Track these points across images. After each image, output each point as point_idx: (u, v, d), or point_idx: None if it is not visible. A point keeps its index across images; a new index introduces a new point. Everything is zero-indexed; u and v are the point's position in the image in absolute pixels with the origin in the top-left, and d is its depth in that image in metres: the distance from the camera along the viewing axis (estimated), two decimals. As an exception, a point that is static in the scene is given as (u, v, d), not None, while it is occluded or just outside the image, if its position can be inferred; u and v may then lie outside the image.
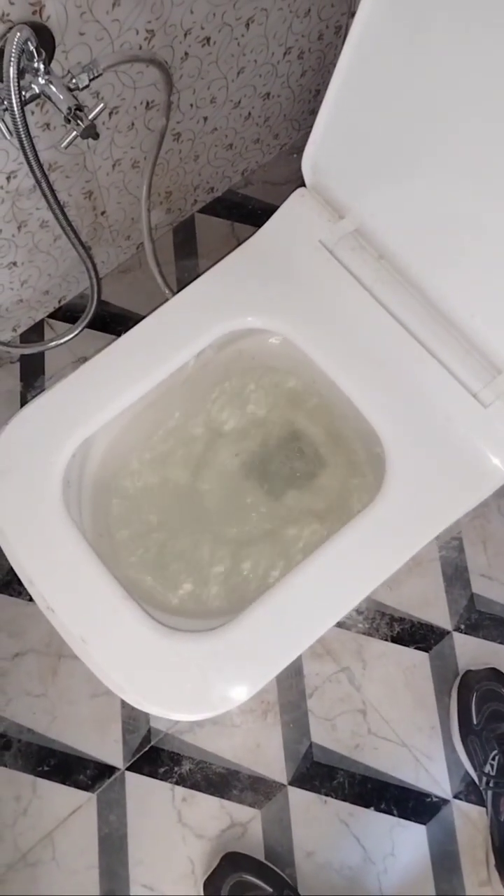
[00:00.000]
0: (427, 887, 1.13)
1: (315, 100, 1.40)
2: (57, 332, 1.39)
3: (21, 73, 0.73)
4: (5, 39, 0.74)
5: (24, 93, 0.76)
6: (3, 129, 0.80)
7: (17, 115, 0.74)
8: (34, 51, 0.74)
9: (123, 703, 1.20)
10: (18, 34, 0.71)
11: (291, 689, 1.21)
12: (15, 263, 1.17)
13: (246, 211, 1.49)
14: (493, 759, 1.11)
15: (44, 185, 0.85)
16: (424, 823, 1.15)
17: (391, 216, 0.86)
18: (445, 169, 0.75)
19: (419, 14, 0.68)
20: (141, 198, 1.11)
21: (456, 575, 1.27)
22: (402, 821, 1.16)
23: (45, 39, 0.81)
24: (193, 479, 1.04)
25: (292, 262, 0.92)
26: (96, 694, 1.21)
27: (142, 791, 1.17)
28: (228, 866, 1.09)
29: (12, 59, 0.71)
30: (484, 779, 1.12)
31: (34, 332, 1.40)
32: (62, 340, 1.19)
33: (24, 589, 1.23)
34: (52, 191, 0.87)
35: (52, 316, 1.40)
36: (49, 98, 0.78)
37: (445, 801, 1.16)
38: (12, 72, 0.71)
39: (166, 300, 0.91)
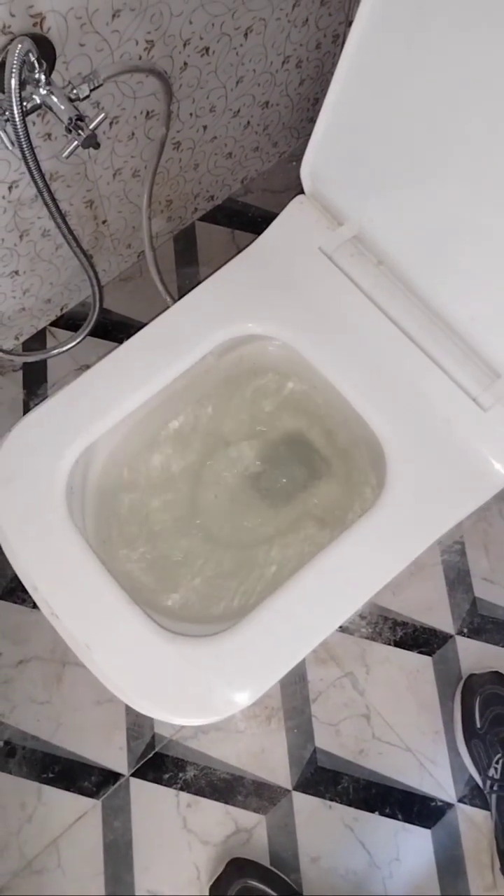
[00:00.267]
0: (432, 892, 1.13)
1: (314, 108, 1.41)
2: (59, 340, 1.40)
3: (22, 85, 0.74)
4: (6, 51, 0.75)
5: (25, 103, 0.76)
6: (5, 139, 0.80)
7: (19, 126, 0.75)
8: (35, 62, 0.75)
9: (128, 710, 1.20)
10: (19, 46, 0.72)
11: (295, 695, 1.21)
12: (17, 272, 1.17)
13: (246, 219, 1.49)
14: (497, 762, 1.11)
15: (45, 194, 0.86)
16: (429, 828, 1.15)
17: (390, 222, 0.87)
18: (443, 175, 0.76)
19: (415, 22, 0.69)
20: (142, 206, 1.12)
21: (458, 579, 1.27)
22: (406, 825, 1.15)
23: (45, 51, 0.82)
24: (195, 485, 1.05)
25: (292, 268, 0.93)
26: (101, 701, 1.21)
27: (147, 797, 1.17)
28: (234, 872, 1.09)
29: (13, 70, 0.72)
30: (488, 782, 1.12)
31: (36, 341, 1.40)
32: (64, 348, 1.19)
33: (29, 596, 1.23)
34: (54, 200, 0.88)
35: (54, 324, 1.41)
36: (50, 108, 0.78)
37: (450, 806, 1.16)
38: (14, 83, 0.72)
39: (167, 308, 0.92)
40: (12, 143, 0.79)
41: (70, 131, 0.79)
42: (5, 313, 1.26)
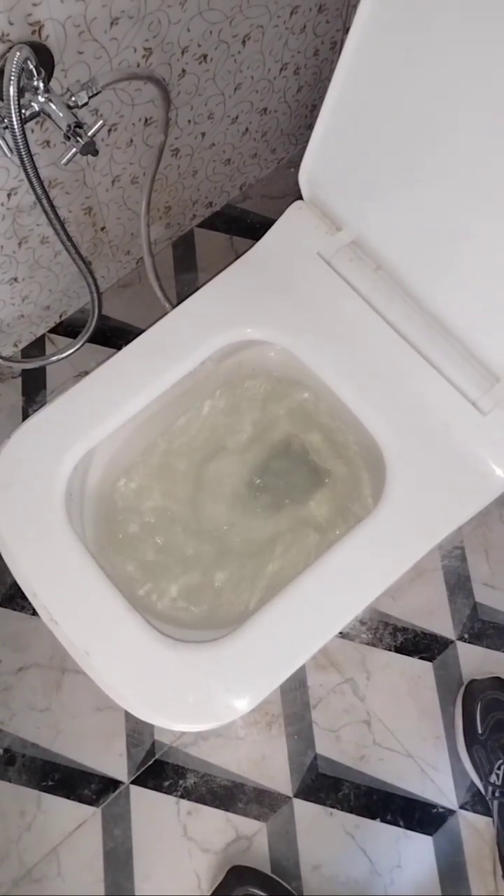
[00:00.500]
0: (434, 899, 1.13)
1: (311, 114, 1.42)
2: (58, 347, 1.40)
3: (21, 92, 0.75)
4: (5, 59, 0.76)
5: (24, 111, 0.77)
6: (3, 146, 0.81)
7: (18, 133, 0.75)
8: (34, 69, 0.75)
9: (127, 717, 1.20)
10: (18, 54, 0.72)
11: (296, 701, 1.21)
12: (16, 279, 1.18)
13: (244, 225, 1.50)
14: (499, 768, 1.11)
15: (44, 201, 0.86)
16: (431, 835, 1.15)
17: (387, 227, 0.87)
18: (440, 180, 0.76)
19: (412, 30, 0.69)
20: (140, 213, 1.12)
21: (459, 584, 1.27)
22: (408, 832, 1.15)
23: (44, 58, 0.82)
24: (194, 491, 1.05)
25: (291, 273, 0.93)
26: (100, 708, 1.20)
27: (147, 805, 1.16)
28: (234, 880, 1.08)
29: (12, 77, 0.72)
30: (490, 788, 1.11)
31: (35, 347, 1.41)
32: (63, 355, 1.19)
33: (28, 603, 1.23)
34: (53, 207, 0.88)
35: (53, 331, 1.41)
36: (49, 116, 0.79)
37: (452, 812, 1.16)
38: (12, 90, 0.72)
39: (166, 314, 0.92)
40: (11, 151, 0.80)
41: (68, 138, 0.79)
42: (4, 320, 1.26)
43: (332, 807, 1.16)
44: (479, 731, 1.14)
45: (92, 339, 1.18)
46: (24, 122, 0.76)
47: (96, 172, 1.10)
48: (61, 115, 0.78)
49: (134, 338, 0.90)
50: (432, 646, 1.24)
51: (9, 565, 0.82)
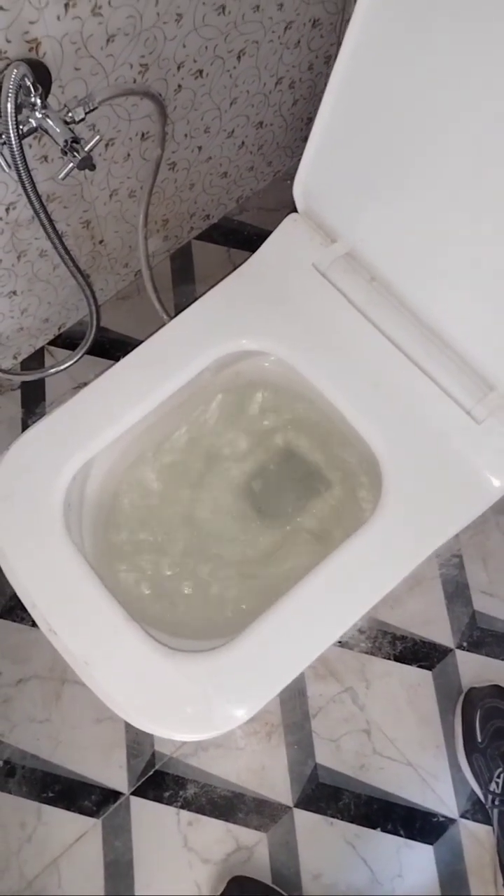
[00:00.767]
0: (435, 909, 1.12)
1: (307, 127, 1.43)
2: (57, 359, 1.41)
3: (19, 108, 0.75)
4: (3, 76, 0.76)
5: (21, 127, 0.78)
6: (1, 162, 0.81)
7: (16, 149, 0.76)
8: (31, 86, 0.76)
9: (127, 728, 1.20)
10: (15, 71, 0.73)
11: (295, 711, 1.21)
12: (15, 292, 1.19)
13: (241, 237, 1.51)
14: (499, 776, 1.11)
15: (42, 215, 0.87)
16: (431, 844, 1.15)
17: (382, 239, 0.88)
18: (434, 191, 0.77)
19: (404, 44, 0.70)
20: (138, 226, 1.13)
21: (457, 592, 1.27)
22: (409, 841, 1.15)
23: (41, 75, 0.83)
24: (192, 501, 1.05)
25: (286, 285, 0.94)
26: (100, 719, 1.21)
27: (147, 816, 1.16)
28: (235, 890, 1.08)
29: (10, 94, 0.73)
30: (490, 797, 1.11)
31: (34, 360, 1.41)
32: (62, 367, 1.20)
33: (28, 614, 1.23)
34: (51, 221, 0.89)
35: (52, 343, 1.42)
36: (46, 131, 0.80)
37: (452, 821, 1.16)
38: (10, 107, 0.73)
39: (164, 325, 0.93)
40: (9, 166, 0.80)
41: (66, 153, 0.80)
42: (3, 333, 1.27)
43: (333, 816, 1.16)
44: (479, 740, 1.14)
45: (91, 351, 1.18)
46: (21, 137, 0.77)
47: (94, 186, 1.11)
48: (59, 130, 0.79)
49: (132, 349, 0.91)
50: (431, 654, 1.24)
51: (8, 576, 0.82)
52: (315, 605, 0.79)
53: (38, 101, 0.78)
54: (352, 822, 1.16)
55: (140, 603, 0.97)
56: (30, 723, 1.21)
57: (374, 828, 1.16)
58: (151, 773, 1.18)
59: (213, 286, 0.94)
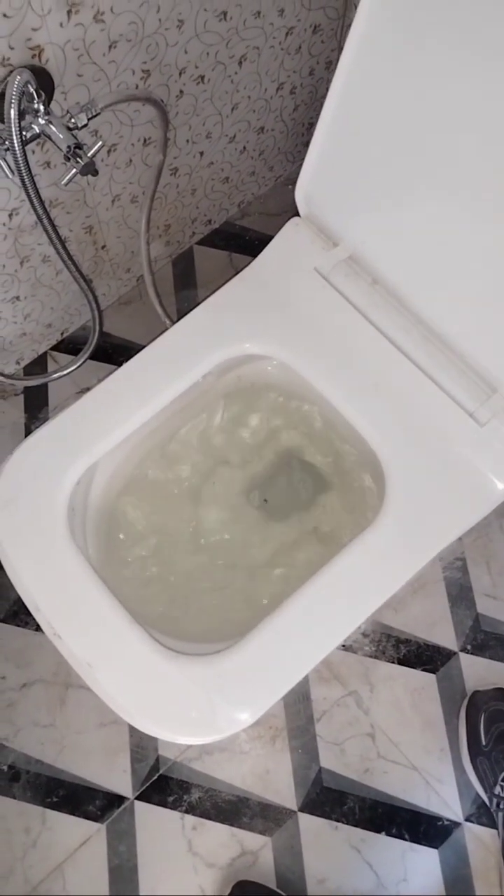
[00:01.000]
0: (441, 913, 1.12)
1: (308, 132, 1.43)
2: (60, 364, 1.41)
3: (22, 115, 0.76)
4: (6, 82, 0.77)
5: (24, 133, 0.78)
6: (5, 168, 0.82)
7: (19, 155, 0.76)
8: (34, 92, 0.77)
9: (131, 732, 1.20)
10: (19, 77, 0.73)
11: (299, 715, 1.21)
12: (18, 298, 1.19)
13: (243, 242, 1.51)
14: (503, 780, 1.10)
15: (45, 221, 0.88)
16: (437, 847, 1.14)
17: (383, 242, 0.88)
18: (435, 194, 0.77)
19: (405, 48, 0.70)
20: (140, 231, 1.13)
21: (461, 595, 1.27)
22: (414, 845, 1.15)
23: (44, 81, 0.84)
24: (196, 504, 1.05)
25: (288, 289, 0.94)
26: (104, 723, 1.20)
27: (151, 820, 1.16)
28: (240, 895, 1.08)
29: (13, 101, 0.74)
30: (494, 800, 1.11)
31: (37, 365, 1.42)
32: (65, 372, 1.21)
33: (32, 619, 1.24)
34: (54, 226, 0.89)
35: (54, 348, 1.43)
36: (49, 137, 0.80)
37: (457, 825, 1.15)
38: (13, 113, 0.74)
39: (166, 330, 0.93)
40: (12, 172, 0.81)
41: (69, 159, 0.81)
42: (7, 338, 1.28)
43: (338, 820, 1.16)
44: (483, 743, 1.14)
45: (93, 356, 1.19)
46: (24, 143, 0.77)
47: (96, 192, 1.11)
48: (61, 136, 0.79)
49: (134, 354, 0.91)
50: (435, 657, 1.24)
51: (12, 580, 0.82)
52: (319, 609, 0.79)
53: (41, 108, 0.78)
54: (356, 826, 1.16)
55: (144, 606, 0.97)
56: (34, 727, 1.21)
57: (378, 832, 1.15)
58: (156, 777, 1.18)
59: (215, 291, 0.94)
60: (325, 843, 1.15)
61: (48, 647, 1.12)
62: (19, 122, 0.75)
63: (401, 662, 1.23)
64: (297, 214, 0.97)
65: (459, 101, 0.68)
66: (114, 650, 0.78)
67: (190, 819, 1.16)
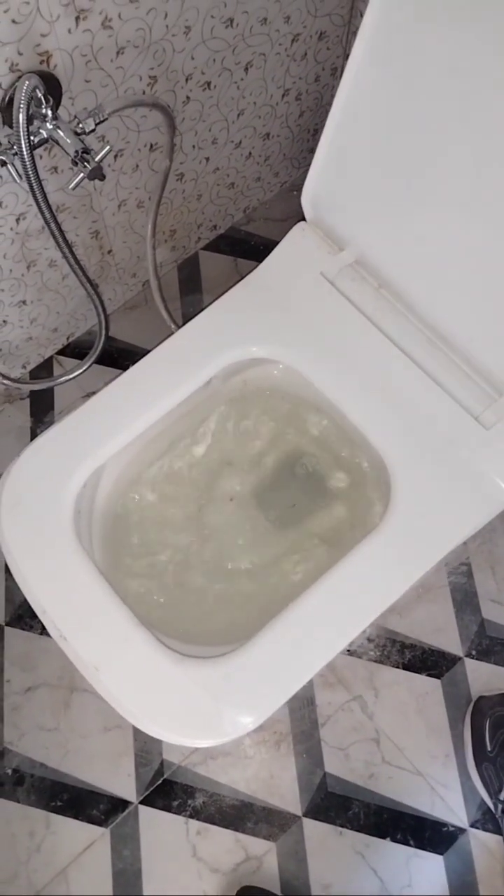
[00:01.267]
0: (446, 919, 1.12)
1: (313, 138, 1.44)
2: (66, 369, 1.41)
3: (30, 120, 0.76)
4: (14, 88, 0.78)
5: (32, 138, 0.79)
6: (13, 172, 0.83)
7: (27, 160, 0.77)
8: (42, 98, 0.77)
9: (136, 736, 1.20)
10: (27, 83, 0.74)
11: (304, 719, 1.21)
12: (24, 302, 1.20)
13: (248, 247, 1.52)
14: (509, 785, 1.10)
15: (52, 225, 0.88)
16: (442, 853, 1.14)
17: (389, 247, 0.88)
18: (439, 200, 0.77)
19: (410, 54, 0.71)
20: (146, 236, 1.14)
21: (466, 601, 1.27)
22: (419, 851, 1.14)
23: (52, 87, 0.85)
24: (201, 508, 1.05)
25: (294, 293, 0.94)
26: (108, 727, 1.20)
27: (156, 825, 1.16)
28: (244, 900, 1.08)
29: (21, 106, 0.74)
30: (500, 806, 1.11)
31: (43, 369, 1.42)
32: (71, 376, 1.21)
33: (37, 622, 1.24)
34: (61, 231, 0.90)
35: (60, 352, 1.43)
36: (57, 142, 0.81)
37: (462, 831, 1.15)
38: (21, 118, 0.74)
39: (172, 335, 0.93)
40: (20, 177, 0.82)
41: (76, 164, 0.81)
42: (13, 342, 1.28)
43: (342, 826, 1.16)
44: (489, 748, 1.13)
45: (99, 361, 1.19)
46: (32, 148, 0.78)
47: (103, 197, 1.12)
48: (69, 141, 0.80)
49: (140, 358, 0.91)
50: (440, 662, 1.24)
51: (18, 582, 0.82)
52: (324, 613, 0.79)
53: (49, 113, 0.79)
54: (361, 831, 1.15)
55: (150, 609, 0.97)
56: (38, 731, 1.21)
57: (383, 837, 1.15)
58: (160, 781, 1.18)
59: (220, 295, 0.95)
60: (329, 848, 1.15)
61: (53, 650, 1.12)
62: (27, 127, 0.75)
63: (406, 667, 1.23)
64: (303, 220, 0.97)
65: (465, 106, 0.69)
66: (119, 652, 0.78)
67: (194, 824, 1.16)
